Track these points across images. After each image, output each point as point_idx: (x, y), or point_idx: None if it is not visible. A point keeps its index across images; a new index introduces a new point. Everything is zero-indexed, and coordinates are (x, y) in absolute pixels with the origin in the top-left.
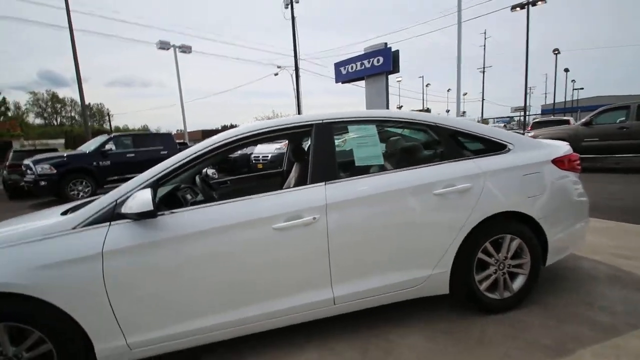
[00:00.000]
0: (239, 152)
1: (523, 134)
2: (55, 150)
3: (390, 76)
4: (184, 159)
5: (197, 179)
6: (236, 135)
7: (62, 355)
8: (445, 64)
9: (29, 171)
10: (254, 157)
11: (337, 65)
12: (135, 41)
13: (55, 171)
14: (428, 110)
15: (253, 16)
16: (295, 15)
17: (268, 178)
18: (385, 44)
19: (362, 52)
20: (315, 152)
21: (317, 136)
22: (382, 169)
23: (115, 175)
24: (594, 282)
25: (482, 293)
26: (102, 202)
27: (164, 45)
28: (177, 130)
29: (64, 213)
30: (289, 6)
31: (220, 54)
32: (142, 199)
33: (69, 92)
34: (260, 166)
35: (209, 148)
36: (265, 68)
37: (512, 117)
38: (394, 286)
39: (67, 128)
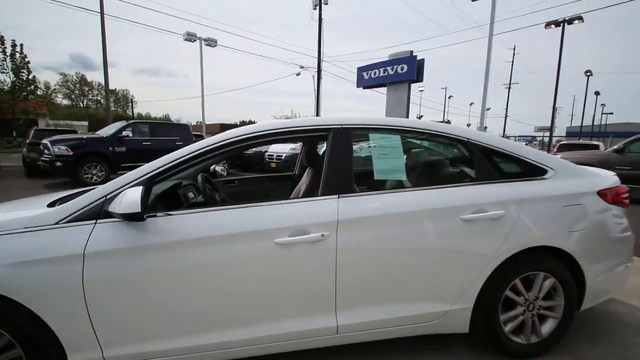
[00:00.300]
0: (254, 149)
1: None
2: (74, 131)
3: (412, 85)
4: (186, 155)
5: (199, 177)
6: (246, 134)
7: None
8: (469, 76)
9: (46, 151)
10: (268, 155)
11: (360, 70)
12: (164, 31)
13: (71, 153)
14: (448, 122)
15: (280, 14)
16: (322, 17)
17: (278, 181)
18: (411, 51)
19: (387, 59)
20: (330, 160)
21: (334, 142)
22: (400, 184)
23: (130, 162)
24: (632, 331)
25: (506, 336)
26: (90, 196)
27: (190, 37)
28: (197, 122)
29: (52, 204)
30: (317, 7)
31: (245, 50)
32: (130, 199)
33: (97, 76)
34: (273, 165)
35: (216, 145)
36: (287, 67)
37: (535, 136)
38: (406, 319)
39: (92, 111)
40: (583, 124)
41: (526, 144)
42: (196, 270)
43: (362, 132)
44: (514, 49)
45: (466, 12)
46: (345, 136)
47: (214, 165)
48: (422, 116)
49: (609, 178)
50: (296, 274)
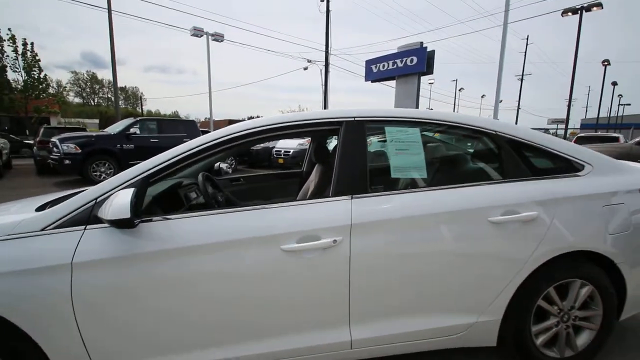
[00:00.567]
0: (262, 145)
1: None
2: (83, 129)
3: (422, 78)
4: (185, 153)
5: (200, 177)
6: (250, 129)
7: None
8: (480, 68)
9: (55, 149)
10: (276, 151)
11: (369, 63)
12: (171, 27)
13: (80, 151)
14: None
15: (287, 7)
16: (330, 8)
17: (285, 179)
18: (421, 43)
19: (396, 51)
20: (342, 157)
21: (346, 136)
22: (419, 183)
23: (138, 159)
24: None
25: (538, 349)
26: (79, 200)
27: (197, 32)
28: (205, 118)
29: (41, 208)
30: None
31: (252, 45)
32: (119, 203)
33: (108, 74)
34: (281, 161)
35: (218, 141)
36: (294, 61)
37: (547, 129)
38: (427, 333)
39: (102, 109)
40: (597, 116)
41: None
42: (192, 282)
43: (377, 125)
44: (527, 39)
45: (477, 0)
46: (359, 129)
47: (218, 163)
48: (432, 109)
49: None
50: (305, 284)
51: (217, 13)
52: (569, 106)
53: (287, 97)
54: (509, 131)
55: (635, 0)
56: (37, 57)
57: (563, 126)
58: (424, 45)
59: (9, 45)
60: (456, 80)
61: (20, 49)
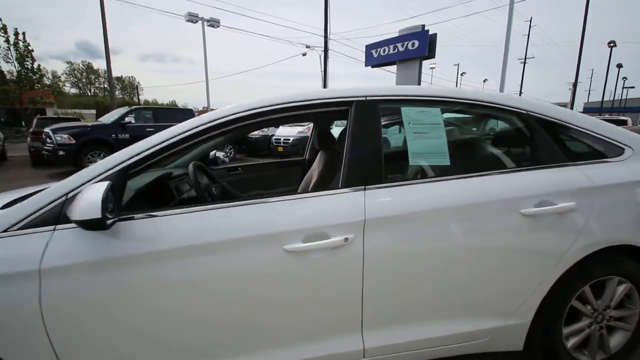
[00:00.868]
0: (260, 132)
1: None
2: (78, 119)
3: (423, 62)
4: (168, 140)
5: (191, 167)
6: (243, 112)
7: None
8: (482, 51)
9: (48, 140)
10: (275, 139)
11: (369, 48)
12: (166, 13)
13: (74, 141)
14: None
15: None
16: None
17: (286, 167)
18: (423, 26)
19: (397, 35)
20: (352, 142)
21: (357, 119)
22: (436, 172)
23: None
24: None
25: (568, 352)
26: (47, 196)
27: (192, 18)
28: (203, 107)
29: (7, 205)
30: None
31: (249, 30)
32: (88, 200)
33: (103, 64)
34: (280, 149)
35: (205, 127)
36: (293, 47)
37: None
38: (447, 339)
39: (99, 99)
40: (602, 99)
41: None
42: (179, 290)
43: (392, 106)
44: (530, 21)
45: None
46: (372, 110)
47: (214, 152)
48: None
49: None
50: (311, 289)
51: None
52: (574, 89)
53: (285, 84)
54: (541, 110)
55: None
56: (29, 47)
57: None
58: (426, 29)
59: (1, 36)
60: (458, 64)
61: (12, 39)
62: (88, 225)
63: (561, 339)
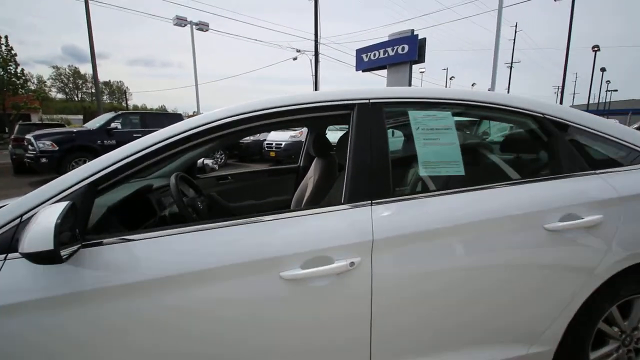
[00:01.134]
0: (251, 137)
1: None
2: (62, 125)
3: (413, 66)
4: (144, 149)
5: (173, 179)
6: (230, 117)
7: None
8: (470, 56)
9: (30, 147)
10: (267, 144)
11: (359, 52)
12: (153, 16)
13: (57, 148)
14: None
15: None
16: None
17: (280, 175)
18: (412, 30)
19: (387, 39)
20: (356, 152)
21: (360, 124)
22: (448, 183)
23: None
24: None
25: None
26: None
27: (180, 22)
28: (193, 112)
29: None
30: None
31: (238, 34)
32: (37, 229)
33: (91, 69)
34: (272, 154)
35: (188, 134)
36: (283, 52)
37: None
38: None
39: (86, 104)
40: (586, 102)
41: None
42: (154, 329)
43: (398, 109)
44: (516, 26)
45: None
46: (377, 114)
47: (202, 159)
48: None
49: None
50: (312, 321)
51: (201, 1)
52: (562, 92)
53: (276, 89)
54: (560, 114)
55: None
56: (12, 52)
57: None
58: (415, 33)
59: None
60: (447, 69)
61: None
62: (37, 258)
63: None
